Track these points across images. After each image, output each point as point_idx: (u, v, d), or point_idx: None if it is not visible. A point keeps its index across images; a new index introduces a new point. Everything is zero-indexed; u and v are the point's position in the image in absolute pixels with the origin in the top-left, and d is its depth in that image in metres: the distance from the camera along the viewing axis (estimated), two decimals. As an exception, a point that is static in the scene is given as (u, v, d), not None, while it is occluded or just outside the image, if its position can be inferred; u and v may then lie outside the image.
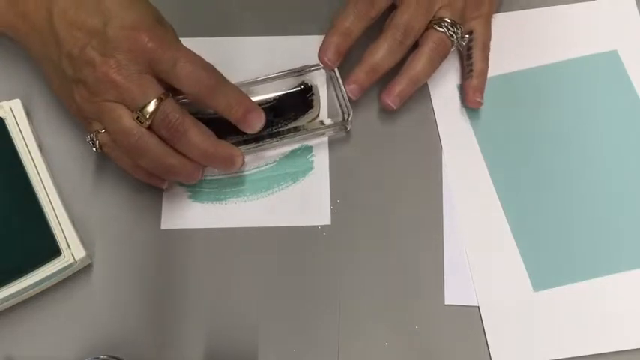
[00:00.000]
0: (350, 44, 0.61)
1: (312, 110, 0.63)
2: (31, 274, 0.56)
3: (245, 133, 0.60)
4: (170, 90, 0.56)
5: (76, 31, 0.55)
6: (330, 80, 0.63)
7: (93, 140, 0.57)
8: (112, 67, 0.54)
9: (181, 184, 0.62)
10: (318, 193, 0.62)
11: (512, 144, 0.63)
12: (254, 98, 0.59)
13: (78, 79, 0.55)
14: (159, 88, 0.55)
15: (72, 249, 0.57)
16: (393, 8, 0.62)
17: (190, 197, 0.62)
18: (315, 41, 0.63)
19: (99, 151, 0.57)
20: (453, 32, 0.61)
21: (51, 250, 0.57)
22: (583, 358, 0.57)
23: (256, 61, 0.65)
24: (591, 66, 0.65)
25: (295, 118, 0.63)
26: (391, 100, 0.62)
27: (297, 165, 0.63)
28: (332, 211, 0.61)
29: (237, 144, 0.60)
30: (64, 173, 0.61)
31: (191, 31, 0.60)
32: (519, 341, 0.57)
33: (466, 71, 0.64)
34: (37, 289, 0.57)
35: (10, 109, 0.61)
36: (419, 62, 0.61)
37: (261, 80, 0.62)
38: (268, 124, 0.60)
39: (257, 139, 0.61)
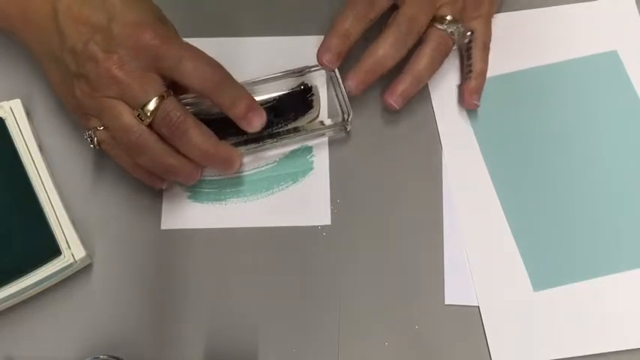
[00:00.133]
0: (349, 46, 0.61)
1: (312, 111, 0.63)
2: (31, 274, 0.56)
3: (245, 134, 0.60)
4: (172, 89, 0.56)
5: (81, 27, 0.55)
6: (330, 81, 0.63)
7: (91, 137, 0.57)
8: (115, 63, 0.54)
9: (181, 184, 0.62)
10: (318, 193, 0.62)
11: (512, 144, 0.63)
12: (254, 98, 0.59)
13: (80, 74, 0.55)
14: (161, 86, 0.55)
15: (72, 249, 0.57)
16: (392, 10, 0.62)
17: (190, 197, 0.62)
18: (315, 41, 0.62)
19: (97, 147, 0.57)
20: (454, 30, 0.61)
21: (51, 250, 0.57)
22: (583, 358, 0.57)
23: (256, 62, 0.65)
24: (591, 66, 0.65)
25: (295, 119, 0.63)
26: (394, 99, 0.61)
27: (297, 165, 0.63)
28: (332, 211, 0.61)
29: (237, 144, 0.60)
30: (64, 173, 0.61)
31: (191, 31, 0.60)
32: (519, 341, 0.57)
33: (465, 71, 0.64)
34: (37, 289, 0.57)
35: (10, 109, 0.61)
36: (421, 60, 0.61)
37: (261, 80, 0.62)
38: (268, 125, 0.60)
39: (257, 139, 0.61)
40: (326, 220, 0.61)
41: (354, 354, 0.57)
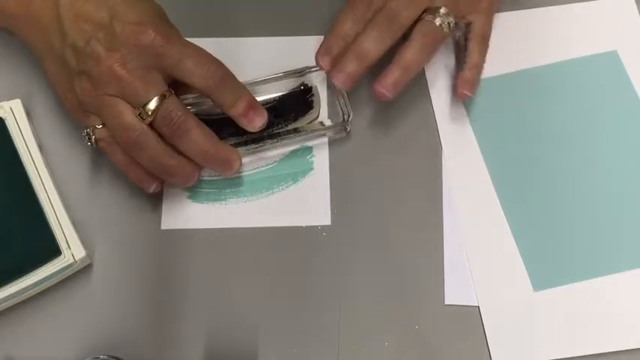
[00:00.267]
0: (347, 48, 0.61)
1: (312, 111, 0.63)
2: (31, 274, 0.56)
3: (245, 134, 0.60)
4: (173, 89, 0.56)
5: (83, 24, 0.55)
6: (330, 81, 0.63)
7: (89, 135, 0.57)
8: (117, 62, 0.54)
9: (179, 187, 0.62)
10: (318, 194, 0.62)
11: (512, 144, 0.63)
12: (254, 99, 0.60)
13: (81, 71, 0.55)
14: (162, 85, 0.55)
15: (72, 249, 0.57)
16: None
17: (190, 197, 0.62)
18: (315, 41, 0.63)
19: (94, 146, 0.57)
20: (443, 21, 0.60)
21: (51, 250, 0.57)
22: (583, 358, 0.57)
23: (256, 62, 0.65)
24: (591, 66, 0.65)
25: (295, 119, 0.63)
26: (384, 87, 0.59)
27: (297, 165, 0.63)
28: (332, 211, 0.61)
29: (237, 145, 0.60)
30: (64, 173, 0.61)
31: (191, 31, 0.60)
32: (519, 341, 0.57)
33: (461, 63, 0.63)
34: (37, 289, 0.57)
35: (10, 109, 0.61)
36: (408, 51, 0.60)
37: (261, 81, 0.62)
38: (268, 125, 0.60)
39: (257, 139, 0.61)
40: (326, 220, 0.61)
41: (354, 354, 0.57)
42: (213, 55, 0.57)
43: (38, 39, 0.58)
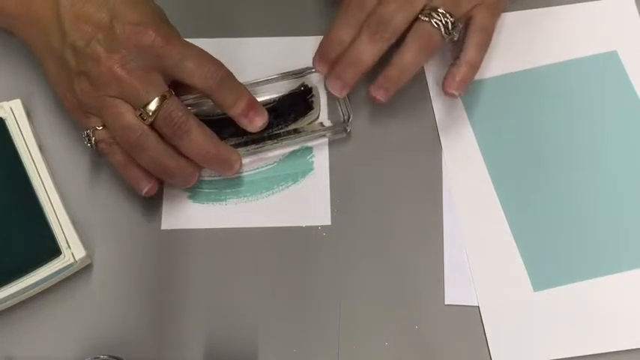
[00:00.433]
0: (343, 52, 0.60)
1: (312, 112, 0.63)
2: (31, 274, 0.56)
3: (245, 135, 0.60)
4: (173, 90, 0.56)
5: (83, 24, 0.55)
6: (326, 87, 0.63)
7: (89, 136, 0.57)
8: (117, 62, 0.54)
9: (178, 187, 0.62)
10: (318, 194, 0.62)
11: (512, 144, 0.63)
12: (254, 99, 0.60)
13: (81, 72, 0.55)
14: (163, 86, 0.55)
15: (72, 249, 0.57)
16: None
17: (191, 197, 0.62)
18: (315, 42, 0.62)
19: (94, 147, 0.57)
20: (439, 21, 0.58)
21: (51, 250, 0.57)
22: (583, 358, 0.57)
23: (256, 62, 0.65)
24: (591, 66, 0.65)
25: (295, 120, 0.63)
26: (378, 93, 0.59)
27: (297, 165, 0.63)
28: (332, 211, 0.61)
29: (237, 145, 0.61)
30: (64, 173, 0.61)
31: (191, 31, 0.60)
32: (519, 341, 0.57)
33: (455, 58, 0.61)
34: (37, 289, 0.57)
35: (11, 109, 0.61)
36: (404, 53, 0.59)
37: (261, 82, 0.62)
38: (268, 126, 0.60)
39: (257, 140, 0.61)
40: (326, 220, 0.61)
41: (354, 354, 0.57)
42: (214, 55, 0.57)
43: (38, 39, 0.58)
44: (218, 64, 0.57)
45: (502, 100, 0.64)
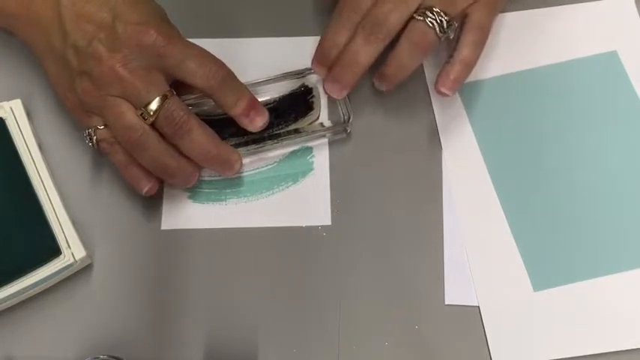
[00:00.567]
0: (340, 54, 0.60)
1: (312, 112, 0.63)
2: (31, 274, 0.56)
3: (246, 135, 0.60)
4: (174, 90, 0.56)
5: (84, 24, 0.55)
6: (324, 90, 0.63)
7: (90, 135, 0.57)
8: (119, 62, 0.54)
9: (178, 187, 0.62)
10: (318, 194, 0.62)
11: (512, 144, 0.63)
12: (255, 99, 0.60)
13: (82, 71, 0.55)
14: (164, 85, 0.55)
15: (72, 249, 0.57)
16: None
17: (191, 197, 0.62)
18: (316, 42, 0.62)
19: (95, 146, 0.57)
20: (434, 20, 0.58)
21: (51, 250, 0.57)
22: (583, 358, 0.57)
23: (257, 62, 0.65)
24: (591, 66, 0.65)
25: (296, 120, 0.63)
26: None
27: (297, 165, 0.63)
28: (332, 211, 0.61)
29: (238, 145, 0.61)
30: (64, 173, 0.61)
31: (192, 32, 0.60)
32: (519, 341, 0.57)
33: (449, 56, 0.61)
34: (37, 289, 0.57)
35: (11, 109, 0.61)
36: (398, 53, 0.59)
37: (262, 82, 0.62)
38: (269, 126, 0.60)
39: (258, 140, 0.61)
40: (326, 220, 0.61)
41: (354, 354, 0.57)
42: (215, 56, 0.57)
43: (39, 39, 0.58)
44: (219, 64, 0.57)
45: (502, 100, 0.64)
